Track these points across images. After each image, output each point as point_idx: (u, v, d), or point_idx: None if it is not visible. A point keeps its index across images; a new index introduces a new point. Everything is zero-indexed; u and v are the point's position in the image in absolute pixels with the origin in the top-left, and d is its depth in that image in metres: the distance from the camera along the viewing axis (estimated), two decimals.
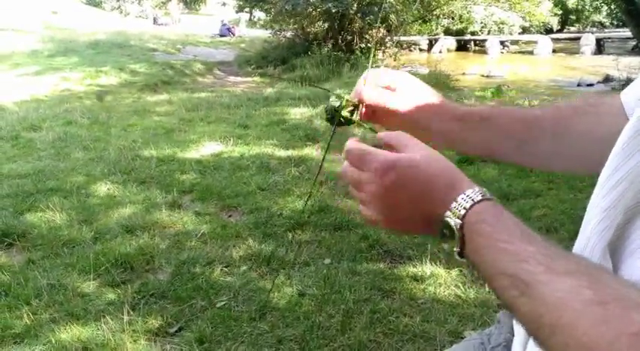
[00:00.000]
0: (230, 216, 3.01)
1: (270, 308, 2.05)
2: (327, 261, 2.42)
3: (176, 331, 1.94)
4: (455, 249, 0.49)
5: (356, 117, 0.68)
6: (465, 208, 0.49)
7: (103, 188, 3.40)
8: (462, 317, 1.96)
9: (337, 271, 2.30)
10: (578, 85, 9.04)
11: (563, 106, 0.69)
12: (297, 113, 5.60)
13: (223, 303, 2.09)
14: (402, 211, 0.53)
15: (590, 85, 9.02)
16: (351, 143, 0.56)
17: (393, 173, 0.52)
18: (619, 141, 0.50)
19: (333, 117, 0.69)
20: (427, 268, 2.28)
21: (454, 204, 0.49)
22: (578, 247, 0.51)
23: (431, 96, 0.68)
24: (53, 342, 1.87)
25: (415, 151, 0.54)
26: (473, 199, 0.49)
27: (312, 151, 4.16)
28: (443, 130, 0.67)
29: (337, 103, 0.69)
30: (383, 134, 0.57)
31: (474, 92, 6.59)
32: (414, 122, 0.67)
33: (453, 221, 0.49)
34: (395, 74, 0.69)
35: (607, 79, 9.19)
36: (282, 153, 4.14)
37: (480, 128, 0.67)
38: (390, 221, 0.55)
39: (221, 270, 2.36)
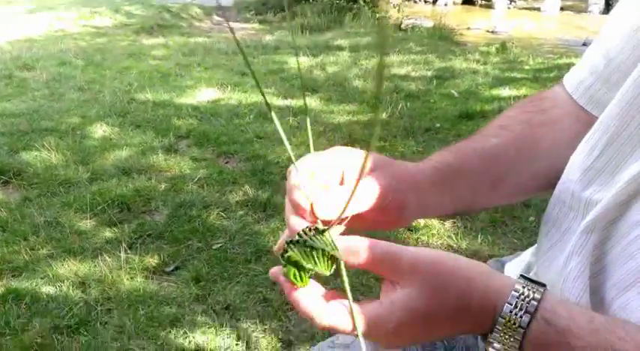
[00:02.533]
0: (227, 162, 3.01)
1: (265, 251, 2.09)
2: None
3: (173, 270, 1.98)
4: None
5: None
6: (511, 344, 0.39)
7: (98, 130, 3.38)
8: None
9: None
10: (584, 44, 8.89)
11: (514, 126, 0.59)
12: (296, 62, 5.50)
13: (219, 245, 2.13)
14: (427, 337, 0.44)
15: None
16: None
17: (392, 325, 0.40)
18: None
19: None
20: (421, 219, 2.31)
21: (494, 335, 0.39)
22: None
23: (389, 168, 0.50)
24: (51, 276, 1.91)
25: (415, 277, 0.40)
26: (514, 334, 0.38)
27: (311, 102, 4.12)
28: (423, 203, 0.51)
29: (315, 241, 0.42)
30: (365, 262, 0.41)
31: (479, 48, 6.48)
32: (386, 213, 0.48)
33: None
34: (328, 161, 0.48)
35: None
36: (281, 102, 4.10)
37: (454, 184, 0.54)
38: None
39: (217, 214, 2.38)
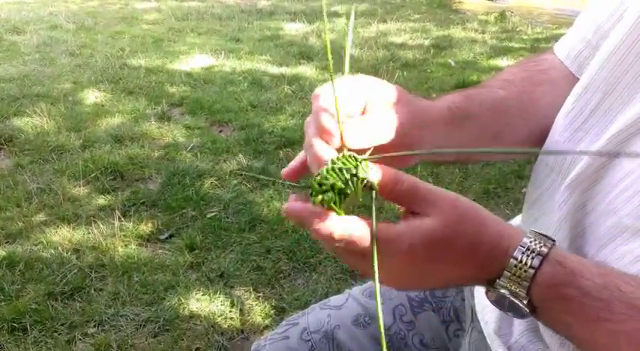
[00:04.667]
0: (221, 131, 2.98)
1: (259, 221, 2.09)
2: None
3: (167, 238, 1.99)
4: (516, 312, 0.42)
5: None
6: (521, 284, 0.40)
7: (90, 96, 3.33)
8: None
9: None
10: None
11: (517, 81, 0.60)
12: (292, 29, 5.40)
13: (213, 214, 2.13)
14: (422, 287, 0.46)
15: None
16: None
17: (406, 256, 0.41)
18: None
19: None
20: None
21: (502, 281, 0.40)
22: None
23: (408, 103, 0.50)
24: (45, 243, 1.91)
25: (437, 209, 0.41)
26: (527, 276, 0.39)
27: (307, 70, 4.06)
28: (434, 142, 0.52)
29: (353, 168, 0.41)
30: (395, 191, 0.42)
31: (477, 16, 6.37)
32: (401, 146, 0.48)
33: (513, 298, 0.40)
34: (352, 90, 0.47)
35: None
36: (275, 70, 4.04)
37: (463, 128, 0.54)
38: (400, 285, 0.45)
39: (211, 183, 2.37)
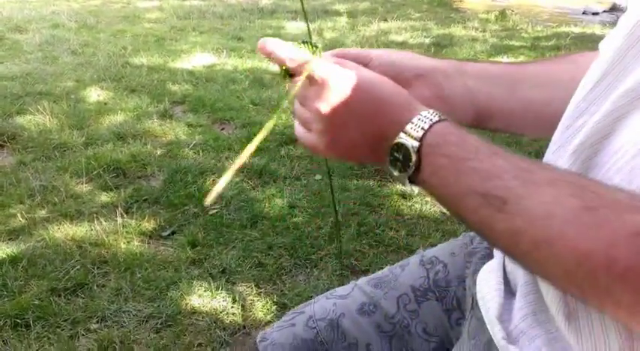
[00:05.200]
0: (223, 129, 2.99)
1: (261, 217, 2.10)
2: (319, 177, 2.45)
3: (169, 235, 2.00)
4: (406, 172, 0.46)
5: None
6: (422, 128, 0.45)
7: (93, 94, 3.34)
8: (445, 233, 2.03)
9: (328, 187, 2.34)
10: (584, 12, 8.75)
11: (559, 60, 0.64)
12: (294, 27, 5.41)
13: (215, 211, 2.14)
14: (347, 132, 0.49)
15: (596, 13, 8.72)
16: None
17: (343, 85, 0.48)
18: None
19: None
20: (415, 186, 2.32)
21: (410, 125, 0.45)
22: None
23: (420, 57, 0.59)
24: (47, 240, 1.92)
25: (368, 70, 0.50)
26: (431, 119, 0.45)
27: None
28: (453, 91, 0.59)
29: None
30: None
31: (478, 15, 6.37)
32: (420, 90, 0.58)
33: (410, 142, 0.45)
34: (359, 51, 0.60)
35: (613, 8, 8.88)
36: (277, 68, 4.04)
37: (477, 80, 0.60)
38: (332, 145, 0.50)
39: (213, 180, 2.38)
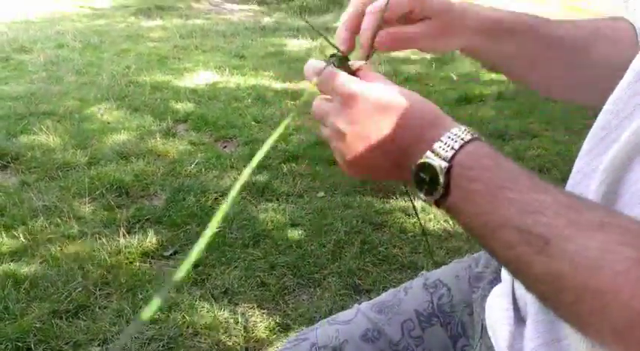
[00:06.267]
0: (225, 147, 3.00)
1: (263, 236, 2.09)
2: (321, 194, 2.45)
3: (171, 255, 1.99)
4: (432, 195, 0.42)
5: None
6: (452, 148, 0.41)
7: (96, 114, 3.36)
8: (449, 250, 2.01)
9: (330, 204, 2.33)
10: None
11: (585, 25, 0.61)
12: (296, 45, 5.45)
13: (218, 230, 2.13)
14: (371, 150, 0.46)
15: None
16: (325, 69, 0.51)
17: (365, 102, 0.46)
18: (625, 78, 0.46)
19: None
20: (418, 203, 2.32)
21: (438, 143, 0.42)
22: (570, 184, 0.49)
23: (453, 9, 0.59)
24: (50, 261, 1.92)
25: (392, 85, 0.50)
26: (462, 139, 0.42)
27: (311, 85, 4.08)
28: (465, 46, 0.63)
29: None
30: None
31: None
32: (436, 46, 0.62)
33: (437, 162, 0.41)
34: None
35: None
36: (279, 85, 4.07)
37: (502, 42, 0.61)
38: (354, 162, 0.47)
39: (215, 199, 2.38)
